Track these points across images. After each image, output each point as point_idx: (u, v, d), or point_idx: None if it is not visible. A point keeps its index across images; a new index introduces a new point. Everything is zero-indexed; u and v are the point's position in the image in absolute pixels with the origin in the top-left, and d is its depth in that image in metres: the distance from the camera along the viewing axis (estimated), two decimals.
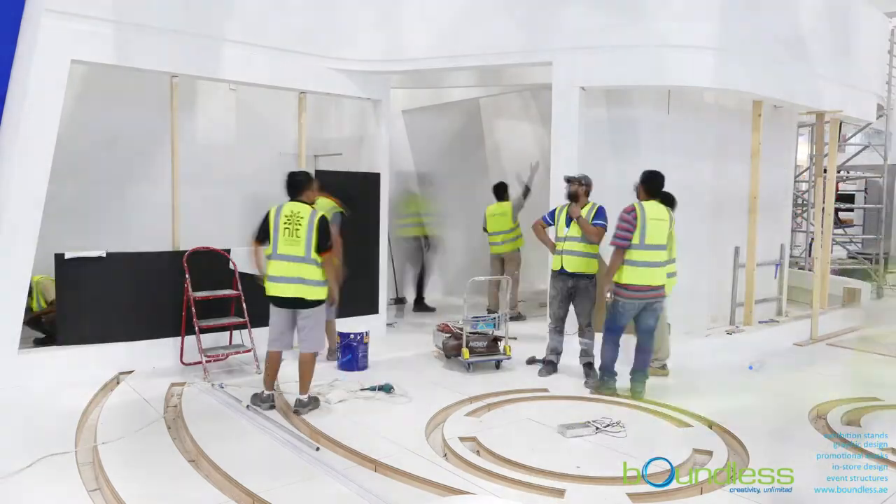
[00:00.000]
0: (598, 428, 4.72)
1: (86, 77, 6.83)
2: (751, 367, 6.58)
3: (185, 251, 6.35)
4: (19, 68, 5.65)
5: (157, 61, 6.21)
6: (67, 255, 5.93)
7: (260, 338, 5.81)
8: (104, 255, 6.12)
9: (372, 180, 7.70)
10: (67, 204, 6.61)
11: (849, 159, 12.61)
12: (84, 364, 5.83)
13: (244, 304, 6.32)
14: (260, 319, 5.68)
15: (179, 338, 6.25)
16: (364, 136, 8.26)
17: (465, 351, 6.22)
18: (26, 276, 5.63)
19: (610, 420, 4.84)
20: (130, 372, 5.98)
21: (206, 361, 6.02)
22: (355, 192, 7.19)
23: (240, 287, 6.39)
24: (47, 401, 5.23)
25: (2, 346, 5.55)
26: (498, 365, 6.38)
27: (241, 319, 6.36)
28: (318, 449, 4.38)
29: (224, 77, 6.71)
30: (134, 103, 7.18)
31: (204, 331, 6.13)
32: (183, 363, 6.22)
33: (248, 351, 6.31)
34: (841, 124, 9.81)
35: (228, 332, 6.53)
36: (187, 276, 6.20)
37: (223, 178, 7.98)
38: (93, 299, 6.09)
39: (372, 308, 7.66)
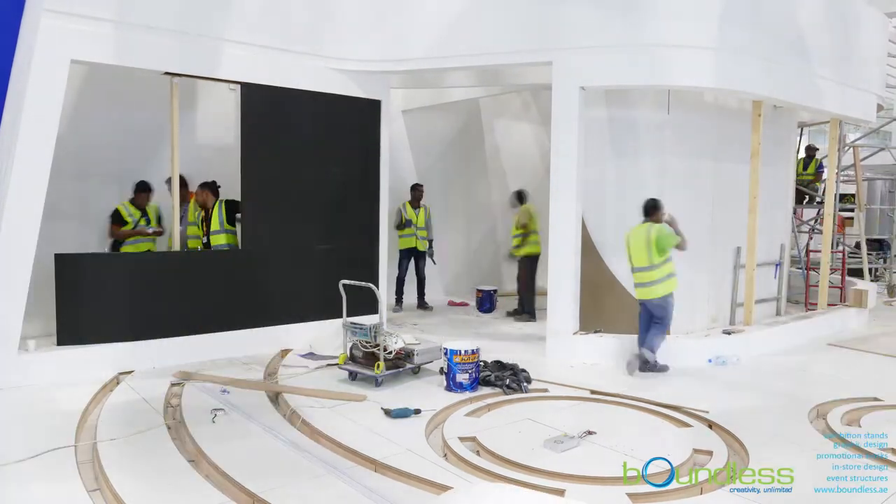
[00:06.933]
0: (578, 437, 4.59)
1: (86, 77, 6.84)
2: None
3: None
4: (19, 68, 5.66)
5: (157, 61, 6.21)
6: (67, 255, 5.93)
7: None
8: (104, 255, 6.13)
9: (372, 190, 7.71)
10: (67, 204, 6.61)
11: (863, 159, 12.53)
12: (84, 364, 5.83)
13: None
14: None
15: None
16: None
17: None
18: (26, 276, 5.63)
19: (587, 430, 4.69)
20: (130, 372, 5.98)
21: None
22: None
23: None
24: (47, 400, 5.23)
25: (2, 345, 5.56)
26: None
27: None
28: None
29: (224, 77, 6.71)
30: (134, 103, 7.18)
31: None
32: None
33: None
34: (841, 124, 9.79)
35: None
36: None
37: (224, 179, 7.97)
38: (93, 299, 6.09)
39: (372, 309, 7.66)
